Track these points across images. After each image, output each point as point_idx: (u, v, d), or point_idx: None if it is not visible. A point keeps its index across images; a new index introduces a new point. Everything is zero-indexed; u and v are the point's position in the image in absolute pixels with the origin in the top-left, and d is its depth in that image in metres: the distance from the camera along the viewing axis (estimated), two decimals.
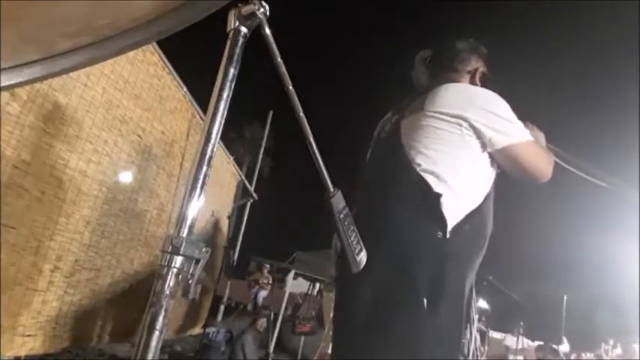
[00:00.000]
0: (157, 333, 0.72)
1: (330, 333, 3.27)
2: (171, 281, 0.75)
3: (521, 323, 7.62)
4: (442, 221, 1.30)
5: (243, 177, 8.02)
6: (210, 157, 0.81)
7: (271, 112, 8.69)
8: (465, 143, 1.37)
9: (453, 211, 1.33)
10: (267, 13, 0.87)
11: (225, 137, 10.31)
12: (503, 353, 8.61)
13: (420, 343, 1.29)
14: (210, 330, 5.20)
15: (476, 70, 1.61)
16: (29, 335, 2.91)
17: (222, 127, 0.84)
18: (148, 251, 4.40)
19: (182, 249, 0.76)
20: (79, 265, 3.33)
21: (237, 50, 0.86)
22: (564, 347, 8.56)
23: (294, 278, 8.80)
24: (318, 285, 10.66)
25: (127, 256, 4.07)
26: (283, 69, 0.94)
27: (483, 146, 1.39)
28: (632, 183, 1.66)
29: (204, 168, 0.81)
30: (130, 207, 3.98)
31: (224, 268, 6.24)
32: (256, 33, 0.89)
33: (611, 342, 10.15)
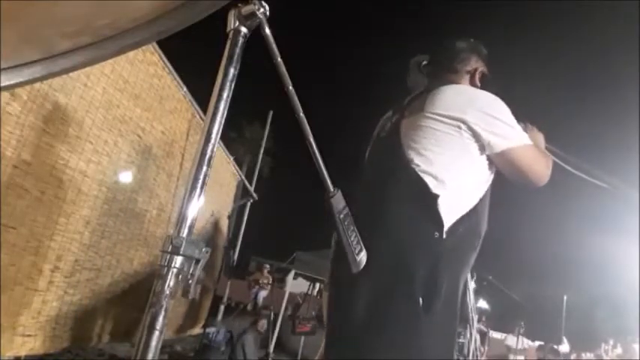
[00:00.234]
0: (156, 333, 0.72)
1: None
2: (171, 281, 0.75)
3: (522, 323, 7.62)
4: (439, 222, 1.31)
5: (243, 177, 8.02)
6: (210, 157, 0.81)
7: (271, 112, 8.69)
8: (464, 146, 1.38)
9: (450, 212, 1.33)
10: (267, 13, 0.87)
11: (225, 137, 10.32)
12: (504, 353, 8.61)
13: (415, 341, 1.29)
14: (210, 330, 5.20)
15: (475, 70, 1.61)
16: (29, 335, 2.91)
17: (222, 127, 0.84)
18: (148, 251, 4.40)
19: (182, 249, 0.76)
20: (79, 265, 3.33)
21: (237, 50, 0.86)
22: (564, 347, 8.55)
23: (294, 278, 8.81)
24: (318, 285, 10.67)
25: (127, 256, 4.07)
26: (283, 69, 0.94)
27: (482, 149, 1.39)
28: (632, 183, 1.65)
29: (204, 168, 0.81)
30: (130, 207, 3.98)
31: (224, 268, 6.24)
32: (256, 33, 0.89)
33: (611, 342, 10.15)
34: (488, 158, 1.42)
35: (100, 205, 3.48)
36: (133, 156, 3.87)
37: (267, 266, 12.41)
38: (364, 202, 1.46)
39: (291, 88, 0.97)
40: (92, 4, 0.93)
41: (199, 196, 0.80)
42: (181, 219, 0.78)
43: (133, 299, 4.16)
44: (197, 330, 6.33)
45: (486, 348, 7.89)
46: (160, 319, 0.73)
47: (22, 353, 2.86)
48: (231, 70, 0.85)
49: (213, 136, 0.82)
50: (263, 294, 11.35)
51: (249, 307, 10.94)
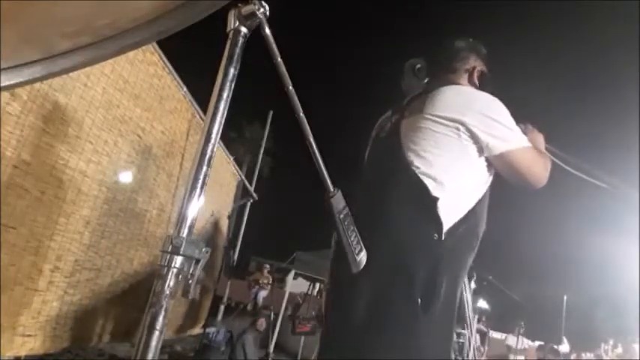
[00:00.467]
0: (156, 333, 0.72)
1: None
2: (171, 281, 0.75)
3: (522, 323, 7.62)
4: (438, 224, 1.32)
5: (243, 177, 8.02)
6: (210, 157, 0.81)
7: (271, 112, 8.69)
8: (463, 147, 1.38)
9: (449, 214, 1.34)
10: (267, 13, 0.87)
11: (225, 137, 10.32)
12: (505, 353, 8.61)
13: (413, 341, 1.30)
14: (210, 330, 5.20)
15: (473, 68, 1.61)
16: (29, 335, 2.91)
17: (222, 127, 0.84)
18: (148, 251, 4.40)
19: (182, 249, 0.76)
20: (79, 265, 3.33)
21: (237, 50, 0.86)
22: (564, 347, 8.55)
23: (294, 278, 8.81)
24: (318, 285, 10.67)
25: (127, 256, 4.07)
26: (283, 69, 0.94)
27: (480, 151, 1.40)
28: (631, 183, 1.65)
29: (204, 168, 0.81)
30: (130, 207, 3.98)
31: (224, 268, 6.24)
32: (256, 33, 0.89)
33: (611, 342, 10.14)
34: (487, 160, 1.42)
35: (100, 205, 3.48)
36: (133, 156, 3.87)
37: (267, 266, 12.40)
38: (364, 203, 1.47)
39: (291, 88, 0.97)
40: (92, 4, 0.93)
41: (199, 196, 0.80)
42: (181, 219, 0.78)
43: (133, 299, 4.16)
44: (197, 330, 6.33)
45: (486, 348, 7.89)
46: (160, 319, 0.73)
47: (22, 353, 2.86)
48: (231, 70, 0.85)
49: (213, 136, 0.82)
50: (263, 294, 11.35)
51: (249, 307, 10.94)
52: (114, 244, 3.80)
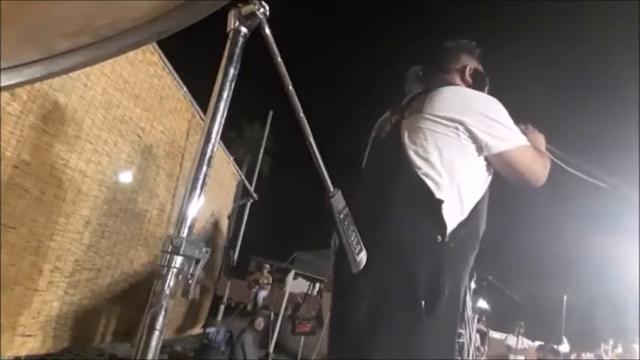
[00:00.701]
0: (156, 333, 0.72)
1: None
2: (171, 281, 0.75)
3: (522, 323, 7.63)
4: (442, 226, 1.32)
5: (243, 177, 8.02)
6: (210, 157, 0.82)
7: (271, 112, 8.68)
8: (462, 147, 1.39)
9: (452, 216, 1.34)
10: (267, 13, 0.87)
11: (225, 137, 10.31)
12: (505, 353, 8.61)
13: (416, 342, 1.30)
14: (210, 330, 5.20)
15: (464, 67, 1.62)
16: (29, 335, 2.91)
17: (222, 127, 0.84)
18: (148, 251, 4.40)
19: (182, 249, 0.76)
20: (79, 265, 3.33)
21: (237, 50, 0.86)
22: (564, 347, 8.55)
23: (294, 278, 8.81)
24: (318, 285, 10.67)
25: (127, 256, 4.07)
26: (283, 69, 0.94)
27: (479, 150, 1.40)
28: (632, 183, 1.66)
29: (204, 168, 0.81)
30: (130, 207, 3.98)
31: (224, 268, 6.25)
32: (256, 33, 0.89)
33: (611, 342, 10.14)
34: (486, 159, 1.43)
35: (100, 205, 3.48)
36: (133, 156, 3.87)
37: (267, 266, 12.41)
38: (365, 204, 1.47)
39: (291, 88, 0.97)
40: (92, 4, 0.93)
41: (199, 196, 0.80)
42: (181, 219, 0.78)
43: (133, 299, 4.16)
44: (197, 330, 6.33)
45: (486, 348, 7.89)
46: (160, 319, 0.73)
47: (22, 353, 2.86)
48: (231, 70, 0.85)
49: (213, 136, 0.82)
50: (263, 294, 11.35)
51: (249, 307, 10.94)
52: (114, 244, 3.80)
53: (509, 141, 1.40)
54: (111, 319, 3.97)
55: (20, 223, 2.67)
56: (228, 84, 0.85)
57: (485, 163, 1.43)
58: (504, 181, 1.51)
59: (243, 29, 0.87)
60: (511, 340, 8.44)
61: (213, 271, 6.24)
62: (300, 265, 8.10)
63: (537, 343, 8.83)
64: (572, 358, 9.75)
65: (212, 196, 6.21)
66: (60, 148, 2.92)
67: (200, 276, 0.79)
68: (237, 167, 7.72)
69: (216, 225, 6.61)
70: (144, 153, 4.04)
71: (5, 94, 2.37)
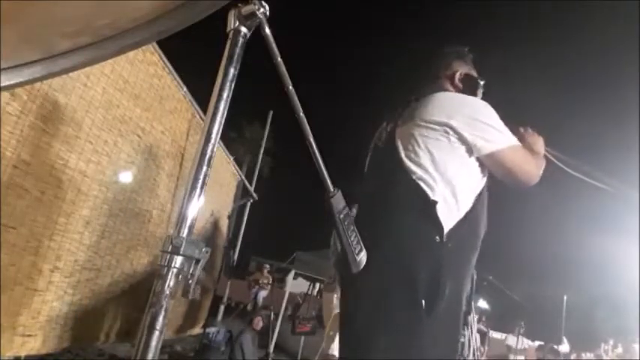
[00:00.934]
0: (156, 333, 0.72)
1: (331, 334, 3.31)
2: (171, 281, 0.75)
3: (522, 323, 7.63)
4: (439, 227, 1.35)
5: (243, 177, 8.02)
6: (210, 157, 0.81)
7: (271, 112, 8.69)
8: (453, 150, 1.43)
9: (448, 217, 1.38)
10: (267, 13, 0.87)
11: (225, 137, 10.31)
12: (505, 353, 8.61)
13: (417, 343, 1.32)
14: (210, 330, 5.20)
15: (454, 73, 1.68)
16: (29, 335, 2.91)
17: (222, 127, 0.84)
18: (148, 251, 4.40)
19: (182, 249, 0.76)
20: (78, 265, 3.33)
21: (237, 50, 0.86)
22: (564, 347, 8.55)
23: (294, 278, 8.81)
24: (318, 285, 10.67)
25: (127, 256, 4.07)
26: (283, 69, 0.94)
27: (470, 152, 1.44)
28: (631, 184, 1.67)
29: (204, 168, 0.81)
30: (130, 207, 3.98)
31: (224, 268, 6.24)
32: (256, 33, 0.89)
33: (611, 342, 10.14)
34: (479, 160, 1.47)
35: (99, 205, 3.48)
36: (133, 156, 3.87)
37: (267, 266, 12.41)
38: (365, 211, 1.52)
39: (291, 88, 0.98)
40: (92, 4, 0.93)
41: (199, 196, 0.80)
42: (181, 219, 0.78)
43: (133, 299, 4.16)
44: (197, 330, 6.33)
45: (486, 348, 7.89)
46: (160, 319, 0.73)
47: (22, 353, 2.86)
48: (231, 70, 0.85)
49: (213, 136, 0.82)
50: (263, 294, 11.35)
51: (249, 307, 10.94)
52: (114, 244, 3.80)
53: (498, 142, 1.44)
54: (111, 319, 3.97)
55: (20, 223, 2.67)
56: (228, 84, 0.85)
57: (477, 163, 1.47)
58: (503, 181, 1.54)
59: (243, 29, 0.87)
60: (511, 340, 8.43)
61: (213, 271, 6.24)
62: (300, 265, 8.10)
63: (537, 343, 8.82)
64: (572, 358, 9.75)
65: (212, 196, 6.21)
66: (60, 148, 2.92)
67: (201, 276, 0.79)
68: (237, 167, 7.72)
69: (216, 225, 6.61)
70: (144, 153, 4.04)
71: (5, 94, 2.37)
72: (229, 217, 7.32)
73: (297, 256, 8.05)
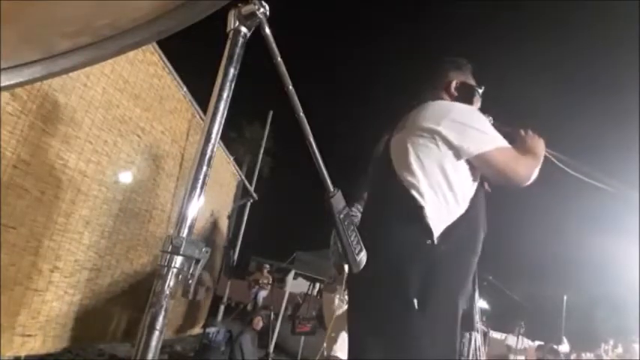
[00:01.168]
0: (156, 333, 0.72)
1: (333, 335, 3.36)
2: (171, 281, 0.75)
3: (522, 323, 7.63)
4: (428, 230, 1.42)
5: (243, 177, 8.01)
6: (210, 157, 0.81)
7: (271, 112, 8.68)
8: (442, 154, 1.49)
9: (438, 220, 1.44)
10: (267, 13, 0.87)
11: (225, 137, 10.31)
12: (505, 353, 8.61)
13: (415, 343, 1.37)
14: (210, 330, 5.20)
15: (450, 82, 1.74)
16: (29, 335, 2.91)
17: (222, 127, 0.84)
18: (148, 251, 4.40)
19: (182, 249, 0.76)
20: (78, 265, 3.33)
21: (237, 50, 0.86)
22: (564, 347, 8.55)
23: (294, 278, 8.81)
24: (318, 285, 10.67)
25: (127, 256, 4.07)
26: (283, 69, 0.94)
27: (458, 155, 1.50)
28: (631, 184, 1.68)
29: (204, 168, 0.81)
30: (130, 207, 3.98)
31: (224, 268, 6.24)
32: (256, 33, 0.89)
33: (611, 342, 10.14)
34: (469, 163, 1.52)
35: (99, 205, 3.48)
36: (133, 156, 3.87)
37: (267, 266, 12.40)
38: (366, 215, 1.64)
39: (291, 88, 0.98)
40: (92, 4, 0.93)
41: (199, 196, 0.80)
42: (181, 219, 0.78)
43: (133, 299, 4.16)
44: (197, 330, 6.33)
45: (486, 348, 7.89)
46: (160, 319, 0.73)
47: (22, 353, 2.86)
48: (231, 70, 0.85)
49: (213, 136, 0.82)
50: (263, 294, 11.34)
51: (249, 307, 10.93)
52: (114, 244, 3.80)
53: (484, 143, 1.49)
54: (111, 319, 3.97)
55: (20, 223, 2.67)
56: (228, 84, 0.85)
57: (468, 166, 1.52)
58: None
59: (243, 29, 0.87)
60: (511, 340, 8.44)
61: (213, 271, 6.24)
62: (300, 265, 8.10)
63: (537, 343, 8.83)
64: (572, 358, 9.75)
65: (212, 196, 6.21)
66: (60, 148, 2.92)
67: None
68: (237, 167, 7.72)
69: (216, 225, 6.61)
70: (144, 153, 4.04)
71: (5, 94, 2.37)
72: (229, 217, 7.32)
73: (297, 256, 8.05)
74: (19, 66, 1.14)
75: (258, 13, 0.85)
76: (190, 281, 0.78)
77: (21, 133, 2.57)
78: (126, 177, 3.84)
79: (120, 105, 3.53)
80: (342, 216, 1.20)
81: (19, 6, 0.92)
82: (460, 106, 1.58)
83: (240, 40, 0.87)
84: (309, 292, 9.87)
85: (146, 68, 3.85)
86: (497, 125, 1.77)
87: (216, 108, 0.83)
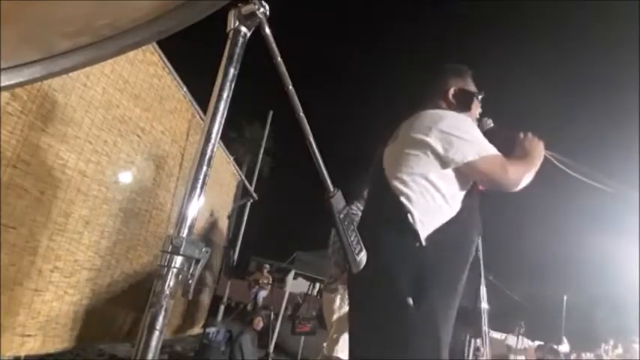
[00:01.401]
0: (156, 333, 0.72)
1: (334, 337, 3.37)
2: (171, 281, 0.75)
3: (522, 323, 7.63)
4: (415, 233, 1.49)
5: (243, 177, 8.01)
6: (210, 157, 0.81)
7: (271, 112, 8.68)
8: (430, 163, 1.56)
9: (425, 224, 1.51)
10: (267, 13, 0.87)
11: (225, 137, 10.30)
12: (505, 353, 8.61)
13: (404, 339, 1.43)
14: (210, 330, 5.20)
15: (447, 89, 1.77)
16: (29, 335, 2.91)
17: (222, 127, 0.84)
18: (148, 251, 4.40)
19: (182, 249, 0.76)
20: (78, 265, 3.33)
21: (237, 50, 0.86)
22: (564, 347, 8.55)
23: (294, 278, 8.82)
24: (318, 285, 10.67)
25: (127, 257, 4.06)
26: (283, 69, 0.94)
27: (445, 165, 1.55)
28: (632, 184, 1.69)
29: (204, 168, 0.81)
30: (130, 207, 3.97)
31: (224, 268, 6.24)
32: (256, 33, 0.89)
33: (611, 342, 10.13)
34: (456, 170, 1.57)
35: (99, 205, 3.48)
36: (133, 156, 3.87)
37: (267, 266, 12.40)
38: (364, 219, 1.73)
39: (291, 88, 0.98)
40: (92, 4, 0.93)
41: (199, 196, 0.80)
42: (181, 219, 0.78)
43: (133, 299, 4.16)
44: (197, 330, 6.33)
45: (487, 348, 7.88)
46: (160, 319, 0.73)
47: (22, 353, 2.86)
48: (231, 70, 0.85)
49: (213, 136, 0.82)
50: (263, 294, 11.34)
51: (249, 307, 10.94)
52: (113, 244, 3.79)
53: (470, 153, 1.54)
54: (111, 319, 3.97)
55: (20, 223, 2.67)
56: (228, 84, 0.85)
57: (454, 174, 1.57)
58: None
59: (243, 29, 0.87)
60: (511, 340, 8.43)
61: (213, 270, 6.24)
62: (300, 265, 8.10)
63: (537, 343, 8.82)
64: (572, 358, 9.74)
65: (212, 196, 6.21)
66: (59, 148, 2.92)
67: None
68: (237, 167, 7.71)
69: (216, 225, 6.60)
70: (144, 153, 4.04)
71: (5, 94, 2.37)
72: (229, 217, 7.31)
73: (297, 256, 8.05)
74: (19, 66, 1.14)
75: (258, 13, 0.85)
76: (190, 281, 0.78)
77: (21, 133, 2.57)
78: (126, 177, 3.84)
79: (120, 105, 3.53)
80: (342, 216, 1.21)
81: (19, 6, 0.92)
82: (449, 117, 1.62)
83: (240, 40, 0.87)
84: (309, 292, 9.87)
85: (146, 68, 3.85)
86: (497, 128, 1.80)
87: (216, 108, 0.83)
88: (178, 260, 0.76)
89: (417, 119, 1.64)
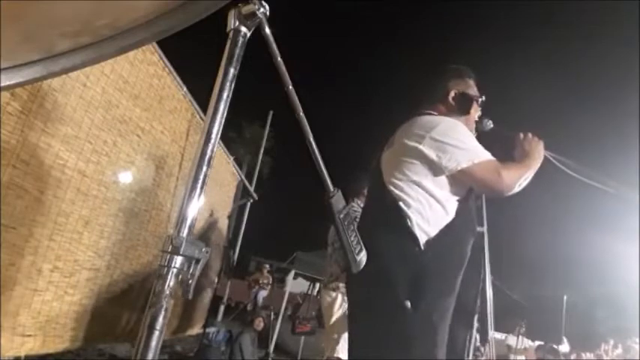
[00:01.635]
0: (156, 333, 0.72)
1: (335, 337, 3.37)
2: (171, 281, 0.75)
3: (522, 323, 7.62)
4: (414, 238, 1.51)
5: (243, 177, 8.01)
6: (210, 157, 0.81)
7: (271, 112, 8.68)
8: (424, 170, 1.58)
9: (423, 229, 1.52)
10: (267, 13, 0.87)
11: (225, 137, 10.30)
12: (505, 353, 8.61)
13: (402, 340, 1.44)
14: (210, 330, 5.20)
15: (447, 93, 1.78)
16: (29, 335, 2.91)
17: (222, 127, 0.84)
18: (148, 251, 4.40)
19: (182, 249, 0.76)
20: (78, 265, 3.33)
21: (237, 50, 0.86)
22: (564, 347, 8.55)
23: (294, 278, 8.81)
24: (318, 285, 10.66)
25: (127, 256, 4.06)
26: (283, 69, 0.94)
27: (439, 171, 1.57)
28: (632, 185, 1.70)
29: (204, 168, 0.81)
30: (129, 207, 3.97)
31: (224, 268, 6.24)
32: (256, 33, 0.89)
33: (611, 342, 10.14)
34: (451, 177, 1.59)
35: (99, 205, 3.48)
36: (133, 156, 3.87)
37: (267, 266, 12.40)
38: (361, 227, 1.70)
39: (291, 88, 0.98)
40: (92, 4, 0.93)
41: (199, 196, 0.80)
42: (181, 219, 0.78)
43: (133, 299, 4.16)
44: (197, 330, 6.33)
45: (487, 348, 7.88)
46: (160, 319, 0.73)
47: (22, 353, 2.86)
48: (231, 70, 0.85)
49: (213, 136, 0.82)
50: (263, 294, 11.34)
51: (249, 307, 10.93)
52: (113, 244, 3.79)
53: (462, 160, 1.55)
54: (111, 319, 3.97)
55: (20, 223, 2.67)
56: (228, 84, 0.85)
57: (448, 180, 1.59)
58: None
59: (243, 29, 0.87)
60: (511, 340, 8.44)
61: (212, 270, 6.23)
62: (300, 265, 8.10)
63: (537, 343, 8.82)
64: (572, 358, 9.74)
65: (212, 196, 6.20)
66: (59, 148, 2.92)
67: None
68: (237, 167, 7.71)
69: (216, 225, 6.60)
70: (143, 153, 4.04)
71: (5, 94, 2.37)
72: (229, 217, 7.31)
73: (297, 256, 8.05)
74: (19, 66, 1.14)
75: (258, 13, 0.85)
76: (190, 281, 0.78)
77: (21, 133, 2.57)
78: (126, 177, 3.84)
79: (119, 105, 3.53)
80: (342, 216, 1.21)
81: (19, 6, 0.92)
82: (443, 123, 1.63)
83: (240, 40, 0.87)
84: (309, 292, 9.86)
85: (146, 68, 3.85)
86: (497, 130, 1.80)
87: (216, 108, 0.83)
88: (178, 260, 0.76)
89: (411, 126, 1.66)
